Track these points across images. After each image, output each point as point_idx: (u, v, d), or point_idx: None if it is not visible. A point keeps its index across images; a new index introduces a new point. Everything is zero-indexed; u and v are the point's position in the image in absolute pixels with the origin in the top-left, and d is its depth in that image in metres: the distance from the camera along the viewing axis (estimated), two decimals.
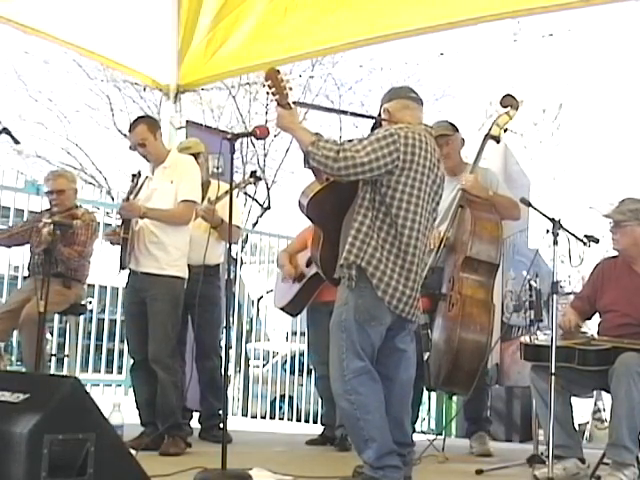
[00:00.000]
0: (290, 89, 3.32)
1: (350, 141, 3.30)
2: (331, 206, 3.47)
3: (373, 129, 3.55)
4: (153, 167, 4.59)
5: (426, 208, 3.37)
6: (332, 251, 3.42)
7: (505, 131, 4.78)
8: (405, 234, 3.29)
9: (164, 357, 4.36)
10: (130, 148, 4.64)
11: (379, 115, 3.55)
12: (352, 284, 3.26)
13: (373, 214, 3.29)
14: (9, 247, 5.60)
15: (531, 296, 4.65)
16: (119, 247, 4.47)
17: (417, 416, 5.18)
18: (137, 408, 4.60)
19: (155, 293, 4.39)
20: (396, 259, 3.29)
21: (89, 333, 8.20)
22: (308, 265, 5.01)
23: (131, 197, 4.43)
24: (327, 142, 3.25)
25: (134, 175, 4.51)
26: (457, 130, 4.93)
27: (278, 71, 3.33)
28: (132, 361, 4.63)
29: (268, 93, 3.36)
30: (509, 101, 4.76)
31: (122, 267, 4.52)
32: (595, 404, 8.20)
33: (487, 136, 4.78)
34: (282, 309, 5.34)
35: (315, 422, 7.94)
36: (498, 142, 4.87)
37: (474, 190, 4.63)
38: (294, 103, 3.34)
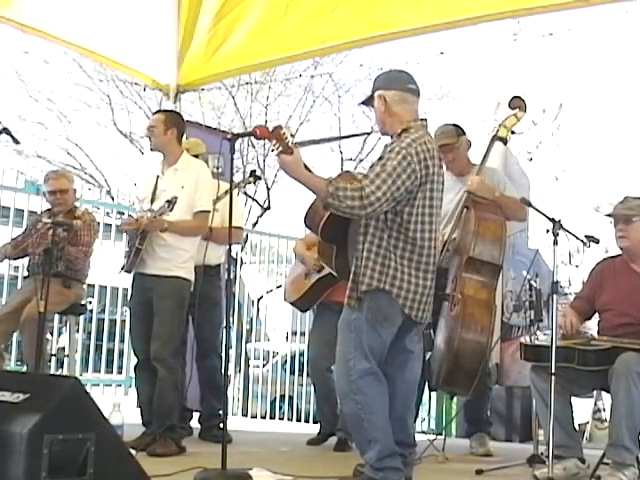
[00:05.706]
0: (292, 136, 3.25)
1: (365, 176, 3.24)
2: (343, 225, 3.49)
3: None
4: (163, 166, 4.60)
5: (438, 213, 3.41)
6: (345, 260, 3.48)
7: (512, 133, 4.76)
8: (425, 246, 3.31)
9: (166, 356, 4.35)
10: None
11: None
12: (359, 303, 3.25)
13: (387, 233, 3.28)
14: (15, 259, 5.51)
15: (531, 296, 4.65)
16: (126, 252, 4.49)
17: (417, 416, 5.18)
18: (139, 407, 4.59)
19: (162, 292, 4.39)
20: (417, 272, 3.30)
21: (89, 333, 8.20)
22: None
23: (152, 205, 4.43)
24: (345, 189, 3.14)
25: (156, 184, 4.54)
26: (463, 132, 4.88)
27: (281, 127, 3.28)
28: (136, 360, 4.62)
29: (273, 150, 3.27)
30: (517, 103, 4.73)
31: (127, 271, 4.52)
32: (595, 404, 8.19)
33: (494, 137, 4.75)
34: (292, 304, 5.34)
35: (315, 422, 7.93)
36: (505, 144, 4.85)
37: (479, 192, 4.59)
38: (295, 145, 3.26)
